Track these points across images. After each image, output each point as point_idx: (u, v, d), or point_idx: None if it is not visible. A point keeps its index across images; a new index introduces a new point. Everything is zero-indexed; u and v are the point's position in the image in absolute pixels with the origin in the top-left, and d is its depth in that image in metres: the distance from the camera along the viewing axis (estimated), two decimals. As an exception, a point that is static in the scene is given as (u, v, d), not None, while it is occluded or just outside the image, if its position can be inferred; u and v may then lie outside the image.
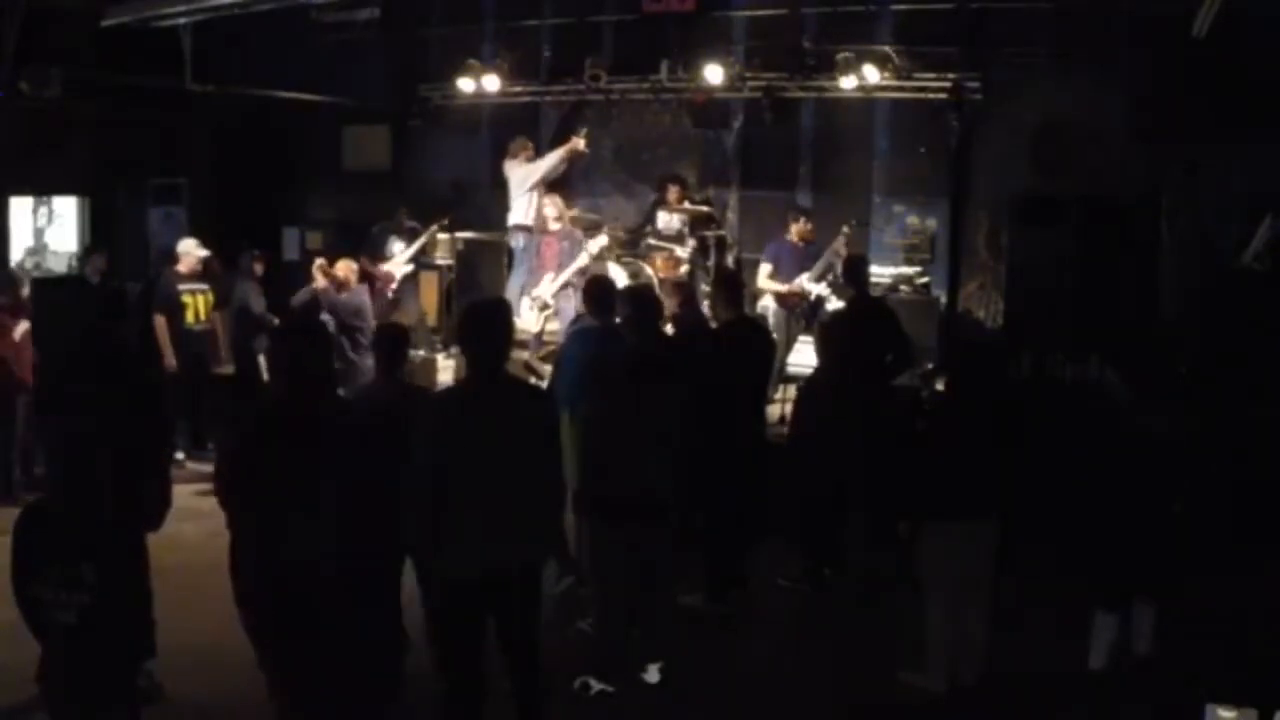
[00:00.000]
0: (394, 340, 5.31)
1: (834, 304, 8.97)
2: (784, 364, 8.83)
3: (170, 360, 8.81)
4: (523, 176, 10.20)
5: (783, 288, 8.93)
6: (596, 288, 6.38)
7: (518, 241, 10.25)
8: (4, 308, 8.06)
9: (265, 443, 3.60)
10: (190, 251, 9.08)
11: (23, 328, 8.01)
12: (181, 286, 8.99)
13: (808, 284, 8.89)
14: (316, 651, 3.54)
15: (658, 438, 5.00)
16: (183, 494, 8.13)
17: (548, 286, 9.31)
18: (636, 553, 5.09)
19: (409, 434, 4.03)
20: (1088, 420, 6.54)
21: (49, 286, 9.50)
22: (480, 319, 4.34)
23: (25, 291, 8.47)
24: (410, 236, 10.29)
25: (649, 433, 4.98)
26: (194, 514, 7.66)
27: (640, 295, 5.77)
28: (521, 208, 10.21)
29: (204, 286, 9.14)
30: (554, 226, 9.43)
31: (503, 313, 4.49)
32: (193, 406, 9.21)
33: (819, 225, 9.31)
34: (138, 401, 5.13)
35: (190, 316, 9.02)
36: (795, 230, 9.10)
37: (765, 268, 9.08)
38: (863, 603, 6.16)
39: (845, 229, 8.94)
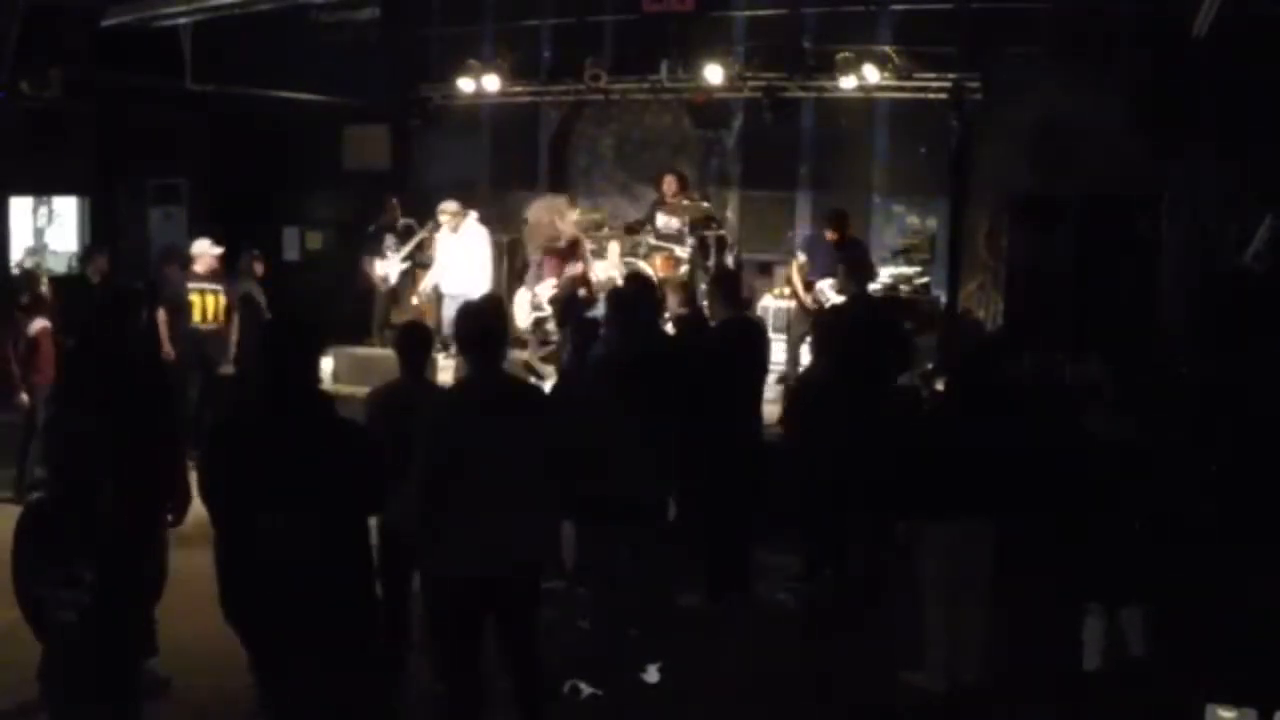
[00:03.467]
0: (419, 339, 5.28)
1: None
2: (795, 361, 8.83)
3: (168, 350, 8.76)
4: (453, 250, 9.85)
5: (801, 286, 8.99)
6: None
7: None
8: (22, 306, 8.04)
9: (244, 441, 3.58)
10: (205, 251, 9.02)
11: (38, 325, 7.98)
12: (191, 285, 8.95)
13: (828, 290, 8.87)
14: (296, 653, 3.53)
15: (647, 438, 4.99)
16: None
17: (546, 290, 9.33)
18: (629, 554, 5.08)
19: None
20: (1085, 420, 6.55)
21: (65, 285, 9.54)
22: (474, 318, 4.34)
23: (44, 288, 8.46)
24: (406, 235, 10.28)
25: (638, 433, 4.96)
26: (193, 514, 7.68)
27: (624, 296, 5.75)
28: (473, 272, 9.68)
29: (216, 287, 9.07)
30: (563, 244, 9.50)
31: (496, 310, 4.49)
32: (198, 407, 9.21)
33: (819, 225, 9.33)
34: (145, 402, 5.13)
35: (198, 315, 8.97)
36: (829, 235, 9.02)
37: (801, 257, 9.16)
38: (862, 603, 6.16)
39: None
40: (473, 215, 9.94)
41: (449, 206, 9.85)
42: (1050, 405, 7.16)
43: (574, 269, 9.30)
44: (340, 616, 3.55)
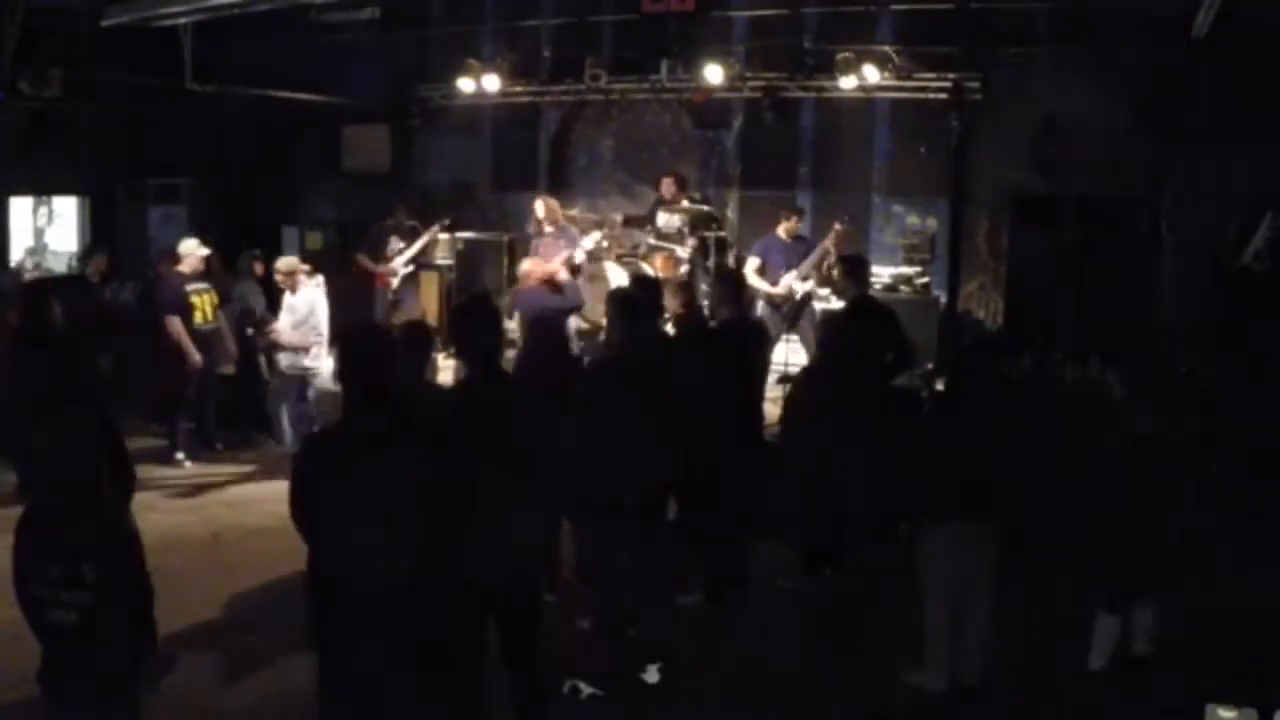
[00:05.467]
0: (418, 340, 5.28)
1: (822, 304, 9.05)
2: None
3: (194, 358, 8.69)
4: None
5: (769, 288, 9.01)
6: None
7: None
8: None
9: (332, 456, 3.55)
10: (193, 251, 9.00)
11: None
12: (188, 287, 8.92)
13: (795, 283, 8.97)
14: (383, 664, 3.49)
15: (648, 438, 4.99)
16: (185, 495, 8.22)
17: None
18: (630, 554, 5.08)
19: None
20: (1088, 420, 6.55)
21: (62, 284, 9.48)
22: (466, 317, 4.34)
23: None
24: (410, 236, 10.27)
25: (639, 433, 4.96)
26: (195, 515, 7.70)
27: (625, 297, 5.75)
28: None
29: (207, 286, 9.06)
30: (548, 229, 9.40)
31: (488, 308, 4.49)
32: (197, 408, 9.20)
33: (819, 225, 9.31)
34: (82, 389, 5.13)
35: (199, 318, 8.95)
36: (784, 228, 9.21)
37: (753, 262, 9.14)
38: (862, 602, 6.15)
39: (838, 225, 8.96)
40: (314, 280, 8.75)
41: (283, 264, 8.71)
42: (1050, 404, 7.17)
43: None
44: (431, 632, 3.51)
